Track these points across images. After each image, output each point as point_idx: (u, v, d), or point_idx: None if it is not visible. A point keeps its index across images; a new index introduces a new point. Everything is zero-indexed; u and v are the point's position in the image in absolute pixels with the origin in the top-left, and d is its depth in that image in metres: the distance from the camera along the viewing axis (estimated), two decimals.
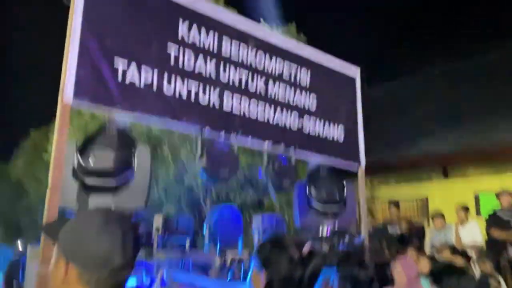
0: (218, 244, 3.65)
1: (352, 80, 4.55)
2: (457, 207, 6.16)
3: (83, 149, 2.61)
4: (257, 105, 3.55)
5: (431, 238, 6.40)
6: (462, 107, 9.30)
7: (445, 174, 9.28)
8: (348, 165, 4.34)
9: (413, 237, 6.43)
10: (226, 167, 3.14)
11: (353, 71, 4.59)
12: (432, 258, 4.96)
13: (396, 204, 7.35)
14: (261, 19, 9.21)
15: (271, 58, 3.75)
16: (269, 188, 3.52)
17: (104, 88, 2.68)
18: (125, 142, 2.70)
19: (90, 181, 2.61)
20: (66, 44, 2.59)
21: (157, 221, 3.30)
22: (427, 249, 6.13)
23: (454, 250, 5.06)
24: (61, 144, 2.50)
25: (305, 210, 3.82)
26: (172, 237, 3.19)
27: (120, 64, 2.76)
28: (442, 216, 6.18)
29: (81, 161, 2.59)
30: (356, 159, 4.39)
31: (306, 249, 1.38)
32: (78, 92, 2.55)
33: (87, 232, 0.92)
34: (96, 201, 2.60)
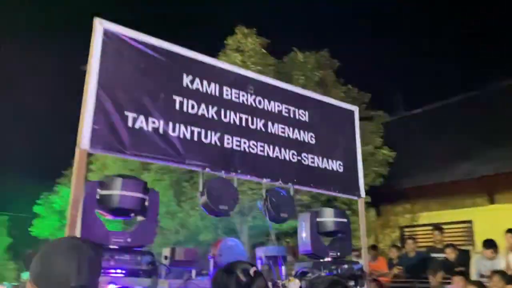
0: None
1: (351, 116, 4.86)
2: (506, 233, 6.05)
3: (104, 189, 3.00)
4: (257, 144, 3.91)
5: (477, 264, 6.29)
6: (507, 127, 9.23)
7: (491, 198, 9.11)
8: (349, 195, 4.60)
9: (459, 263, 6.38)
10: (225, 203, 3.48)
11: (352, 108, 4.91)
12: (481, 286, 4.94)
13: (440, 228, 7.33)
14: (294, 47, 9.57)
15: (269, 102, 4.14)
16: (267, 220, 3.82)
17: (116, 137, 3.11)
18: (142, 187, 3.06)
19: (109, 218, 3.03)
20: (83, 100, 3.06)
21: (166, 251, 3.67)
22: (473, 276, 6.07)
23: (505, 277, 4.98)
24: (78, 185, 2.93)
25: (312, 237, 4.05)
26: (179, 266, 3.53)
27: (130, 116, 3.21)
28: (495, 245, 6.05)
29: (102, 199, 2.99)
30: (356, 192, 4.64)
31: (252, 271, 1.69)
32: (93, 141, 3.00)
33: (49, 257, 1.12)
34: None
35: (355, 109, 4.93)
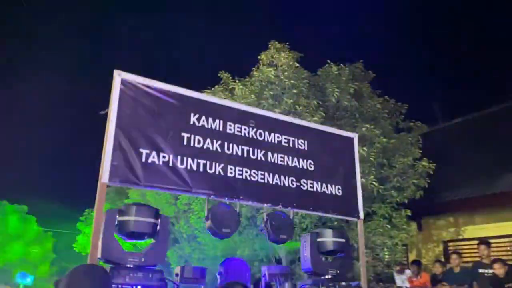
0: None
1: (350, 141, 5.25)
2: None
3: (122, 215, 3.52)
4: (257, 172, 4.37)
5: None
6: None
7: None
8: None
9: (508, 279, 6.18)
10: (228, 226, 3.95)
11: (351, 135, 5.31)
12: None
13: (487, 243, 7.04)
14: (328, 60, 9.72)
15: (270, 134, 4.61)
16: (268, 241, 4.25)
17: (131, 171, 3.66)
18: (154, 213, 3.57)
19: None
20: (104, 140, 3.63)
21: (177, 269, 4.16)
22: None
23: None
24: (99, 213, 3.47)
25: (314, 257, 4.44)
26: (188, 283, 4.01)
27: (144, 152, 3.75)
28: None
29: (120, 224, 3.51)
30: (355, 213, 5.00)
31: None
32: (112, 175, 3.55)
33: (68, 281, 1.67)
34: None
35: (354, 136, 5.33)
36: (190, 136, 4.07)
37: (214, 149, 4.18)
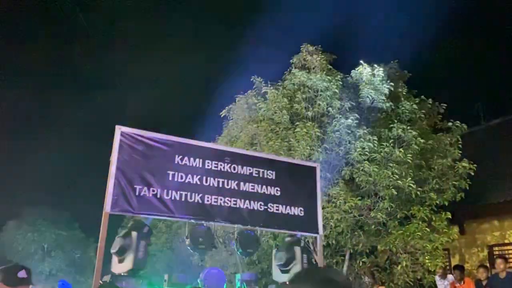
0: None
1: (313, 170, 6.30)
2: None
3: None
4: (230, 199, 5.50)
5: None
6: None
7: None
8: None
9: None
10: (203, 244, 5.10)
11: (313, 165, 6.37)
12: None
13: None
14: (361, 61, 9.70)
15: (242, 167, 5.73)
16: (237, 255, 5.38)
17: (127, 203, 4.86)
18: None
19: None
20: (108, 180, 4.85)
21: (166, 276, 5.36)
22: None
23: None
24: (103, 238, 4.69)
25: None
26: None
27: (137, 188, 4.95)
28: None
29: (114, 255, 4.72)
30: (315, 230, 6.05)
31: None
32: (113, 206, 4.76)
33: None
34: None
35: (317, 165, 6.39)
36: (175, 173, 5.25)
37: (194, 182, 5.35)
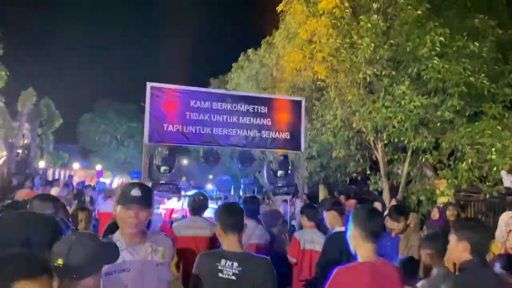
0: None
1: (299, 103, 8.20)
2: None
3: None
4: (232, 130, 7.69)
5: None
6: None
7: None
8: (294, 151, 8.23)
9: None
10: (213, 158, 7.50)
11: (300, 99, 8.26)
12: None
13: None
14: None
15: (241, 105, 7.78)
16: (238, 166, 7.76)
17: (159, 136, 7.23)
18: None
19: None
20: (145, 121, 7.18)
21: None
22: None
23: None
24: (145, 170, 7.20)
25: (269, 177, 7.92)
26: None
27: (165, 125, 7.25)
28: None
29: None
30: (298, 148, 8.18)
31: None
32: (149, 139, 7.16)
33: None
34: None
35: (302, 99, 8.26)
36: (191, 114, 7.45)
37: (205, 119, 7.54)
